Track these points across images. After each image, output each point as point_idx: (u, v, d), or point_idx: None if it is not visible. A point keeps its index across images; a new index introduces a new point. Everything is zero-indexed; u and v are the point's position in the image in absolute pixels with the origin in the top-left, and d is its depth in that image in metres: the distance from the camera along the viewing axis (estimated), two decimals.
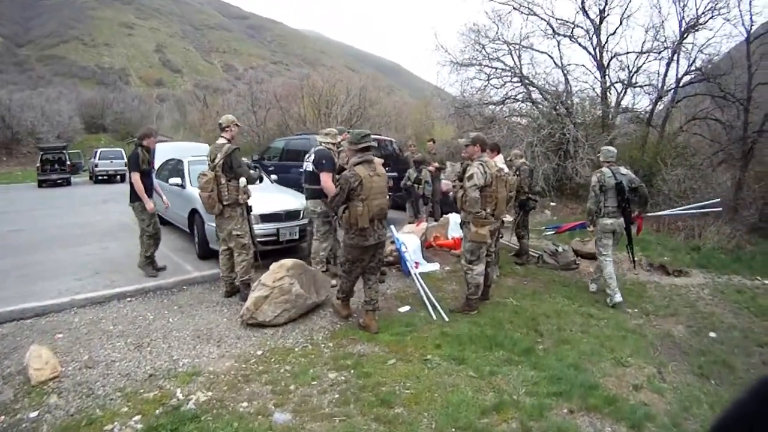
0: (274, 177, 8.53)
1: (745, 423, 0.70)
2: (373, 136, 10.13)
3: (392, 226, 6.64)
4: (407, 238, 6.46)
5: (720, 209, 8.64)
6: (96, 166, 22.43)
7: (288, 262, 4.85)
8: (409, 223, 8.09)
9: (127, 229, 8.72)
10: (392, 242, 6.34)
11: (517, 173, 6.77)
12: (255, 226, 6.03)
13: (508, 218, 6.80)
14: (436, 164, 8.61)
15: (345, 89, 26.53)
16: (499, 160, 5.83)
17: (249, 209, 5.34)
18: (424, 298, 5.17)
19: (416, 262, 6.30)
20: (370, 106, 26.71)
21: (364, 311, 4.55)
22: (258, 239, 6.07)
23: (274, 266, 4.83)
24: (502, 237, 6.37)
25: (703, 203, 8.51)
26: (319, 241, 5.74)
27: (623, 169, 5.66)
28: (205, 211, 5.44)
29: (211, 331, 4.45)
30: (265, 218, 6.36)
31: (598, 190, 5.54)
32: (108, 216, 10.73)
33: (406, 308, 5.10)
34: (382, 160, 5.84)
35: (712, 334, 5.02)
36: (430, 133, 20.34)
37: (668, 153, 12.76)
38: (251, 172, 5.30)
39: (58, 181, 20.70)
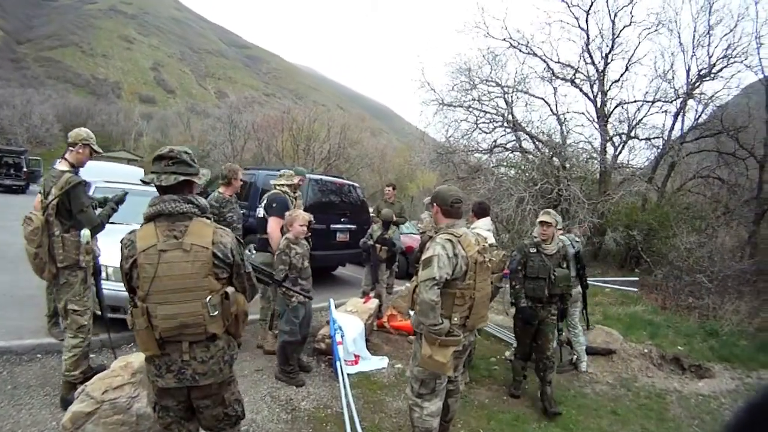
0: None
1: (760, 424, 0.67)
2: (331, 179, 8.34)
3: (331, 300, 4.91)
4: (348, 321, 4.63)
5: (636, 290, 8.98)
6: None
7: (137, 360, 3.09)
8: (363, 293, 6.30)
9: None
10: (327, 323, 4.61)
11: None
12: None
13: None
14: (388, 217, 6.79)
15: (326, 126, 25.38)
16: (483, 225, 4.10)
17: (98, 273, 3.60)
18: (347, 427, 3.32)
19: (356, 356, 4.54)
20: (350, 146, 25.54)
21: None
22: None
23: (115, 365, 3.11)
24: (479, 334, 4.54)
25: (623, 279, 9.30)
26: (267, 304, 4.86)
27: (575, 237, 5.44)
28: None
29: None
30: None
31: None
32: None
33: None
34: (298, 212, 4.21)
35: None
36: (410, 179, 18.96)
37: (673, 216, 11.37)
38: (97, 215, 3.45)
39: (13, 188, 19.38)
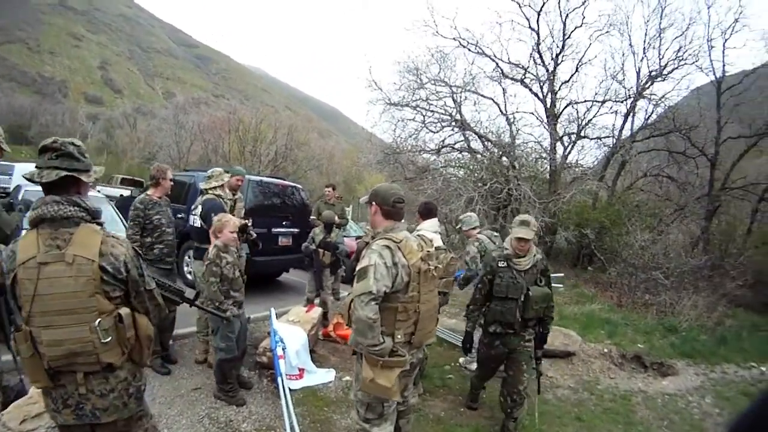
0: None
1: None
2: (272, 180, 7.60)
3: (272, 309, 4.51)
4: (290, 332, 4.24)
5: (561, 285, 8.94)
6: None
7: None
8: (308, 301, 5.88)
9: None
10: (269, 334, 4.21)
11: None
12: None
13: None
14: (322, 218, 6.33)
15: (273, 127, 24.78)
16: (429, 227, 3.66)
17: (3, 292, 3.08)
18: None
19: (300, 370, 4.16)
20: (297, 148, 24.96)
21: None
22: None
23: (32, 391, 2.74)
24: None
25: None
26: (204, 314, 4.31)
27: (493, 235, 5.04)
28: None
29: None
30: None
31: (479, 259, 4.55)
32: None
33: None
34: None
35: None
36: (358, 181, 18.67)
37: (625, 214, 11.51)
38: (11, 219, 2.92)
39: None
